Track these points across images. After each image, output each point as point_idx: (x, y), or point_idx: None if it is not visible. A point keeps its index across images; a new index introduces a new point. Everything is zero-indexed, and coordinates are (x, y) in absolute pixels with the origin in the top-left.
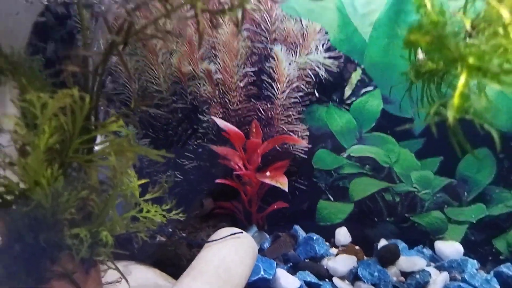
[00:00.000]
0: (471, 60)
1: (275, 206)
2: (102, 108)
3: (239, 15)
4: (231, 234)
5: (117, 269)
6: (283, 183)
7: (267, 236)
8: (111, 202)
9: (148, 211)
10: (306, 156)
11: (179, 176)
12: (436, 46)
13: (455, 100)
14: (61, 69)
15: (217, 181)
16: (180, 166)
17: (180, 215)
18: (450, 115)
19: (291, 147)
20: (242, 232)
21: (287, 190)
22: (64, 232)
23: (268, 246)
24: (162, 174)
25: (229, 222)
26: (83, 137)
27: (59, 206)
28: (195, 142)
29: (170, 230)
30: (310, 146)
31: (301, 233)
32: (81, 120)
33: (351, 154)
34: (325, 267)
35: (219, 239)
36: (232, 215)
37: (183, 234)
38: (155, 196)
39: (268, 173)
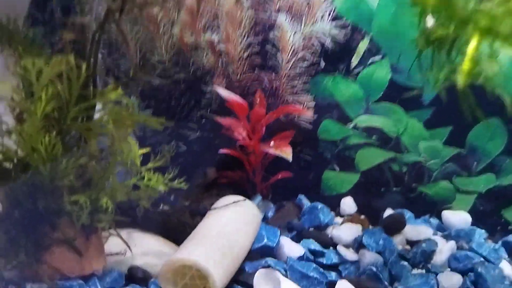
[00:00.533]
0: (481, 22)
1: (279, 176)
2: (99, 77)
3: None
4: (233, 202)
5: (119, 235)
6: (287, 153)
7: (272, 205)
8: (110, 169)
9: (149, 180)
10: (311, 127)
11: (182, 146)
12: (445, 6)
13: (465, 64)
14: (59, 37)
15: (221, 151)
16: (184, 137)
17: (183, 184)
18: (460, 80)
19: (296, 117)
20: (245, 200)
21: (291, 160)
22: (63, 198)
23: (272, 214)
24: (165, 145)
25: (233, 191)
26: (81, 105)
27: (58, 172)
28: (198, 113)
29: (173, 199)
30: (315, 116)
31: (306, 203)
32: (78, 87)
33: (358, 124)
34: (329, 235)
35: (222, 206)
36: (236, 184)
37: (186, 203)
38: (157, 165)
39: (272, 143)
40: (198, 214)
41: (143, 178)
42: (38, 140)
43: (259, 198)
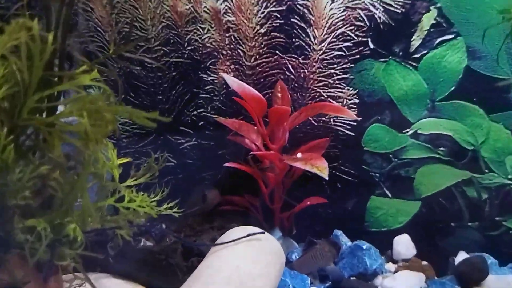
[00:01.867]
0: None
1: (308, 203)
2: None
3: None
4: (248, 235)
5: (88, 280)
6: (320, 168)
7: (295, 244)
8: (80, 184)
9: (131, 201)
10: (353, 134)
11: (171, 159)
12: None
13: None
14: None
15: (226, 165)
16: (174, 145)
17: (174, 211)
18: None
19: (331, 119)
20: (263, 233)
21: (326, 178)
22: (14, 223)
23: (297, 256)
24: (146, 157)
25: (241, 223)
26: (43, 91)
27: (8, 186)
28: (195, 112)
29: (160, 231)
30: (359, 118)
31: (345, 241)
32: (41, 67)
33: (419, 131)
34: None
35: (231, 241)
36: (246, 213)
37: (178, 238)
38: (139, 182)
39: (299, 155)
40: (194, 254)
41: (123, 198)
42: None
43: (278, 233)
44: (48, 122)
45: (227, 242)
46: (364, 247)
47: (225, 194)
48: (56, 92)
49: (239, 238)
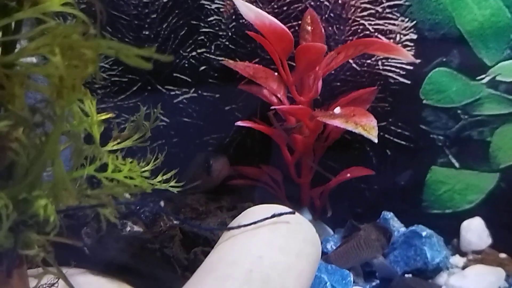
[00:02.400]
0: None
1: (348, 175)
2: None
3: None
4: (273, 216)
5: (62, 276)
6: (368, 128)
7: (330, 230)
8: (51, 146)
9: (116, 170)
10: (408, 82)
11: (162, 118)
12: None
13: None
14: None
15: (238, 124)
16: (166, 98)
17: (172, 185)
18: None
19: (379, 62)
20: (293, 213)
21: (375, 141)
22: None
23: (334, 246)
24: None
25: (258, 202)
26: None
27: None
28: (194, 53)
29: (152, 212)
30: (417, 61)
31: (398, 226)
32: None
33: (499, 78)
34: None
35: (250, 223)
36: (264, 190)
37: (176, 221)
38: (125, 145)
39: (337, 110)
40: (198, 242)
41: (105, 167)
42: None
43: (307, 216)
44: (6, 63)
45: (245, 225)
46: (424, 234)
47: (236, 164)
48: (14, 22)
49: (262, 220)
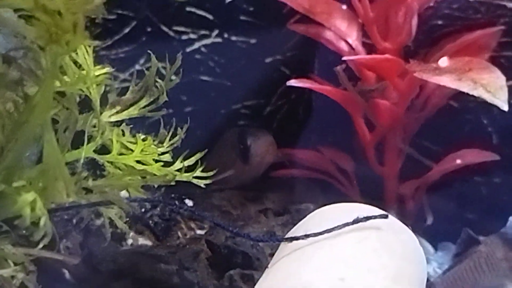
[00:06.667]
0: None
1: (458, 161)
2: None
3: None
4: (357, 221)
5: None
6: (493, 89)
7: (430, 246)
8: (38, 112)
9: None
10: None
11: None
12: None
13: None
14: None
15: (289, 83)
16: (174, 46)
17: (197, 175)
18: None
19: None
20: (387, 217)
21: (505, 109)
22: None
23: (439, 269)
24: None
25: (318, 202)
26: None
27: None
28: None
29: (165, 216)
30: None
31: None
32: None
33: None
34: None
35: (323, 231)
36: (328, 183)
37: (195, 230)
38: (130, 115)
39: (443, 61)
40: (234, 260)
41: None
42: None
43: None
44: None
45: (315, 235)
46: None
47: (284, 146)
48: None
49: (340, 226)
